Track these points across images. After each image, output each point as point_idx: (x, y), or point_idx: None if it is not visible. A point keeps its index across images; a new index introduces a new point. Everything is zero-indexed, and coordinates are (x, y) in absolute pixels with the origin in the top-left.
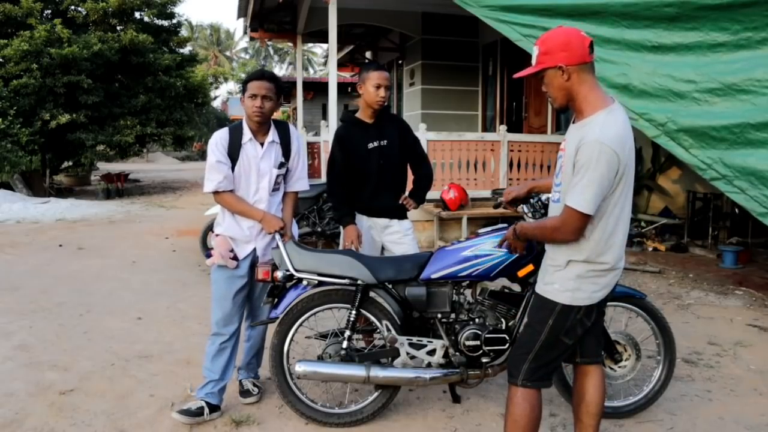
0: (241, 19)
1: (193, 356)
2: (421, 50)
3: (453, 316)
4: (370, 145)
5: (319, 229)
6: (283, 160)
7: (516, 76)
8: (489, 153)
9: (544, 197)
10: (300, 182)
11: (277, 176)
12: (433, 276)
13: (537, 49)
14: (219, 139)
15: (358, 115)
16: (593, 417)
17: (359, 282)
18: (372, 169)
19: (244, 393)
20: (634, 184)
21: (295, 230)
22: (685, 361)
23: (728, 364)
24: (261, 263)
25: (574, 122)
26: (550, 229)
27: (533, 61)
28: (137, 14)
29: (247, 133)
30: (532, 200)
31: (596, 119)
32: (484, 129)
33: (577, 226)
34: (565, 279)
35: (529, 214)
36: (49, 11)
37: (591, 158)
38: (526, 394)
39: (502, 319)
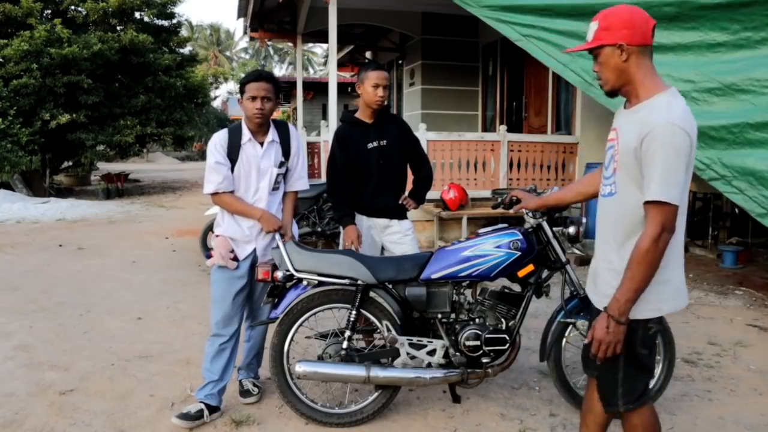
0: (241, 19)
1: (193, 356)
2: (421, 50)
3: (453, 316)
4: (370, 145)
5: (319, 229)
6: (283, 159)
7: (567, 51)
8: (489, 153)
9: None
10: (300, 182)
11: (277, 175)
12: (434, 276)
13: (596, 24)
14: (218, 140)
15: (357, 115)
16: (600, 427)
17: (359, 282)
18: (372, 169)
19: (244, 393)
20: None
21: (295, 230)
22: (685, 361)
23: (728, 364)
24: (261, 263)
25: (625, 107)
26: (644, 251)
27: (589, 37)
28: (137, 14)
29: (246, 134)
30: None
31: (658, 102)
32: (484, 129)
33: (671, 221)
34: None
35: (530, 214)
36: (49, 11)
37: (665, 142)
38: (639, 414)
39: (503, 320)
